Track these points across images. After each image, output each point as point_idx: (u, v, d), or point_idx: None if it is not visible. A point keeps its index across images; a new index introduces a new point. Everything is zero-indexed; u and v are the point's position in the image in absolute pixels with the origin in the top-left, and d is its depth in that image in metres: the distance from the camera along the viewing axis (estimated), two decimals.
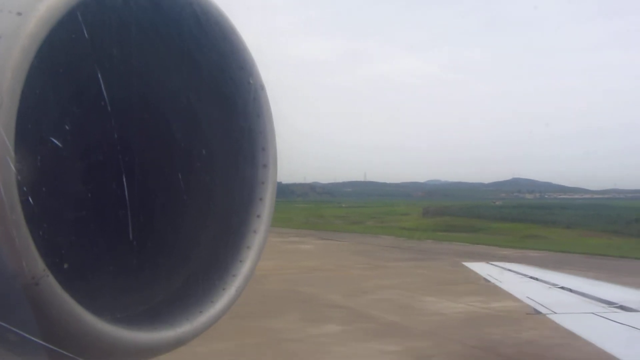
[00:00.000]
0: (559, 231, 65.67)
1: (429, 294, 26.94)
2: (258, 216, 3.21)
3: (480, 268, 17.38)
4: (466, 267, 19.63)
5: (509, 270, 16.30)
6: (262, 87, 3.15)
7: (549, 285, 13.41)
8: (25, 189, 2.06)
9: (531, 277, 14.65)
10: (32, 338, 2.05)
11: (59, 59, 2.42)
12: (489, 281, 15.10)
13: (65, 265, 2.39)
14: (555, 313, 10.52)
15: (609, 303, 10.94)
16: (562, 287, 12.96)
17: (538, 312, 10.97)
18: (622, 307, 10.52)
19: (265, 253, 3.24)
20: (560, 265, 32.73)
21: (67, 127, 2.78)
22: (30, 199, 2.09)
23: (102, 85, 2.68)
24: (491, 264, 17.79)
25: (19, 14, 2.02)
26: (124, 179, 2.97)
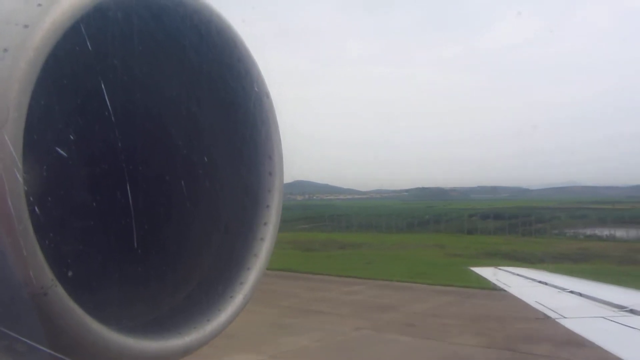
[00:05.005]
0: None
1: None
2: (265, 224, 3.21)
3: (489, 273, 17.24)
4: None
5: (518, 274, 16.18)
6: (267, 95, 3.16)
7: (558, 290, 13.28)
8: (32, 199, 2.08)
9: (540, 282, 14.54)
10: (41, 347, 2.06)
11: (64, 70, 2.44)
12: (497, 286, 14.99)
13: (73, 275, 2.40)
14: (565, 317, 10.42)
15: (619, 307, 10.82)
16: (572, 291, 12.84)
17: (547, 317, 10.88)
18: (632, 311, 10.41)
19: None
20: None
21: (73, 138, 2.80)
22: (37, 209, 2.11)
23: (107, 96, 2.70)
24: (499, 269, 17.65)
25: (26, 26, 2.04)
26: (131, 189, 2.98)
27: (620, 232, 61.75)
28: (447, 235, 66.07)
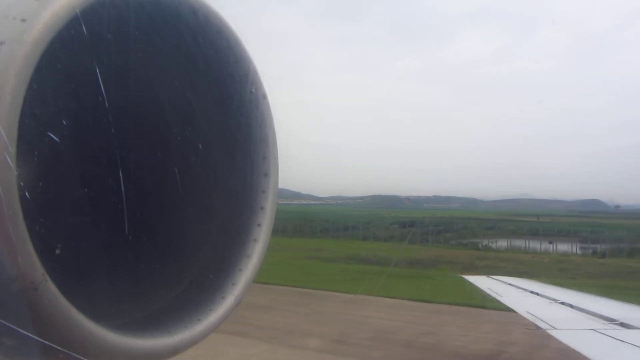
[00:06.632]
0: None
1: None
2: (259, 225, 3.20)
3: (481, 281, 17.28)
4: None
5: (510, 284, 16.22)
6: (265, 96, 3.15)
7: (550, 300, 13.32)
8: (26, 192, 2.06)
9: (531, 292, 14.58)
10: (31, 337, 2.04)
11: (62, 64, 2.43)
12: (489, 295, 15.01)
13: (65, 271, 2.38)
14: (555, 329, 10.43)
15: (610, 320, 10.85)
16: (563, 303, 12.87)
17: (538, 328, 10.89)
18: (623, 324, 10.43)
19: None
20: None
21: (69, 131, 2.78)
22: (30, 202, 2.09)
23: (104, 91, 2.69)
24: (492, 278, 17.69)
25: (23, 20, 2.03)
26: (126, 187, 2.96)
27: (505, 243, 67.93)
28: (343, 240, 70.93)
